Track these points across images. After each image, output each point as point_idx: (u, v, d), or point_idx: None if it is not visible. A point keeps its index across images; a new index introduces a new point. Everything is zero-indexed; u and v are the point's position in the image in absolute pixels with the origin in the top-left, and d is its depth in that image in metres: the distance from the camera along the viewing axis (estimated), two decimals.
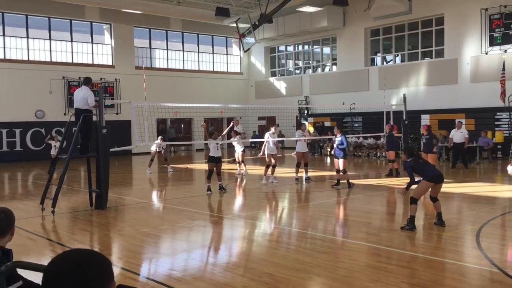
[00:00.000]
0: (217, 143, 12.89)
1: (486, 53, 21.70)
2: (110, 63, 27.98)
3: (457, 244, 7.47)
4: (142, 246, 7.78)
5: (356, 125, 26.75)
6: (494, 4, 21.03)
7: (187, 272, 6.28)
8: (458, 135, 17.98)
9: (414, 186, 8.49)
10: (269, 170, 14.48)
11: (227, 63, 33.35)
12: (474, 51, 22.26)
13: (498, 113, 21.37)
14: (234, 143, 16.69)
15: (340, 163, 13.29)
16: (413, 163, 8.41)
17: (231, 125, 14.92)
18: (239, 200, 12.72)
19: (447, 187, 13.25)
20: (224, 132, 14.34)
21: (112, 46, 28.04)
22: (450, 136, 18.52)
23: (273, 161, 14.45)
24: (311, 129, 27.98)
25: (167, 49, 30.58)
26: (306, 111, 29.53)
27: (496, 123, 21.39)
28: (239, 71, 33.66)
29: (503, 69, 20.51)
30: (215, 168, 12.81)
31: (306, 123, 28.68)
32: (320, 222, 9.56)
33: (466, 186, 13.45)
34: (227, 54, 33.26)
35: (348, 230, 8.81)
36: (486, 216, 9.15)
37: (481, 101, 21.47)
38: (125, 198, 12.68)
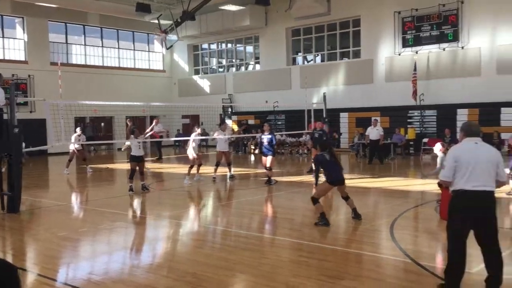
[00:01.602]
0: (139, 142, 12.62)
1: (399, 54, 22.92)
2: (22, 58, 26.45)
3: (373, 237, 7.83)
4: (59, 250, 7.44)
5: (279, 123, 27.24)
6: (406, 8, 22.26)
7: (107, 276, 6.09)
8: (374, 132, 18.83)
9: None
10: (194, 169, 14.40)
11: (149, 60, 32.68)
12: (388, 52, 23.44)
13: (410, 111, 22.66)
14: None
15: (268, 160, 13.48)
16: (322, 158, 8.69)
17: (153, 123, 14.57)
18: (162, 199, 12.52)
19: (364, 182, 13.91)
20: (147, 131, 14.04)
21: (25, 40, 26.51)
22: (367, 134, 19.36)
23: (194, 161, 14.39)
24: (236, 127, 28.18)
25: (84, 44, 29.42)
26: (230, 110, 29.64)
27: (408, 120, 22.68)
28: (161, 68, 33.10)
29: (415, 69, 21.79)
30: (137, 168, 12.54)
31: (230, 121, 28.87)
32: (244, 219, 9.64)
33: (382, 181, 14.14)
34: (149, 51, 32.58)
35: (272, 227, 8.96)
36: (399, 209, 9.68)
37: (395, 99, 22.65)
38: (41, 201, 12.04)
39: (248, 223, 9.32)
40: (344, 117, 24.50)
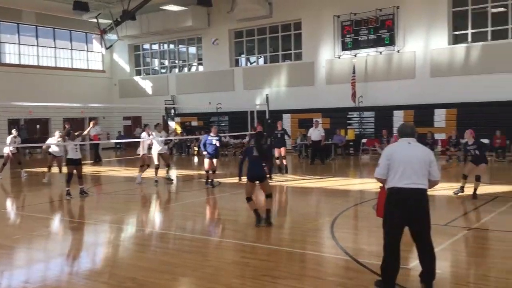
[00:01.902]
0: (76, 145, 12.21)
1: (339, 57, 23.53)
2: None
3: (315, 236, 7.99)
4: None
5: (223, 124, 27.22)
6: (345, 12, 22.89)
7: (44, 284, 5.86)
8: (316, 133, 19.19)
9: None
10: (142, 169, 14.19)
11: (87, 60, 31.71)
12: (328, 55, 23.99)
13: (349, 113, 23.31)
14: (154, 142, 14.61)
15: (214, 162, 13.35)
16: (249, 151, 8.64)
17: (90, 126, 14.04)
18: (103, 204, 12.18)
19: (306, 182, 14.16)
20: (85, 132, 13.57)
21: None
22: (308, 135, 19.70)
23: (156, 161, 14.16)
24: (179, 129, 27.90)
25: (19, 43, 28.13)
26: (173, 111, 29.31)
27: (348, 122, 23.31)
28: (101, 68, 32.21)
29: (354, 72, 22.45)
30: (75, 171, 12.13)
31: (173, 123, 28.54)
32: (187, 222, 9.55)
33: (323, 181, 14.43)
34: (87, 50, 31.60)
35: (215, 229, 8.94)
36: (340, 208, 9.91)
37: (336, 101, 23.22)
38: None
39: (191, 226, 9.25)
40: (286, 119, 24.81)
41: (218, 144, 13.38)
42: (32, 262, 7.04)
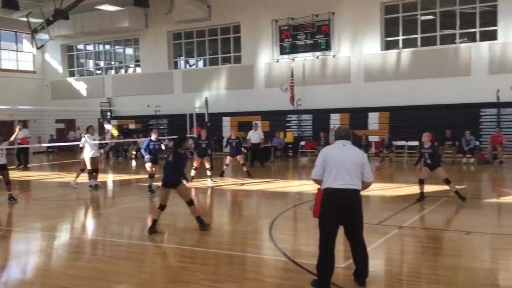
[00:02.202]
0: (1, 149, 11.60)
1: (277, 61, 23.84)
2: None
3: (254, 238, 8.03)
4: None
5: (162, 127, 26.79)
6: (283, 16, 23.23)
7: None
8: (255, 136, 19.33)
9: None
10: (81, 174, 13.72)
11: (17, 60, 30.25)
12: (267, 59, 24.24)
13: (288, 116, 23.66)
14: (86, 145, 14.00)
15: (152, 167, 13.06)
16: (167, 159, 8.49)
17: (17, 130, 13.17)
18: (32, 210, 11.64)
19: (246, 184, 14.20)
20: (12, 139, 12.78)
21: None
22: (248, 137, 19.82)
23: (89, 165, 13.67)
24: (115, 132, 27.19)
25: None
26: (109, 114, 28.52)
27: (287, 124, 23.65)
28: (32, 69, 30.82)
29: (292, 75, 22.82)
30: (1, 177, 11.53)
31: (110, 126, 27.77)
32: (124, 227, 9.31)
33: (263, 183, 14.53)
34: (17, 50, 30.14)
35: (152, 234, 8.75)
36: (279, 210, 10.02)
37: (274, 104, 23.48)
38: None
39: (128, 231, 9.02)
40: (226, 121, 24.83)
41: (163, 146, 13.23)
42: None
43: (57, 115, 27.11)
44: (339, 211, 5.18)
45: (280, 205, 10.72)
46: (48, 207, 11.74)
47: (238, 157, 15.87)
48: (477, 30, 20.55)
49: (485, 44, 20.09)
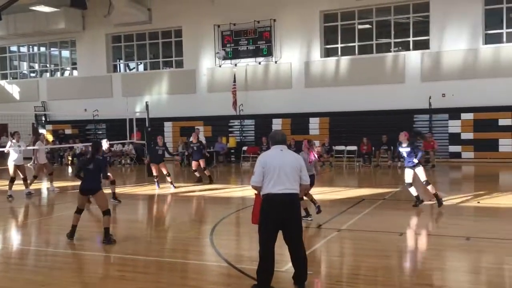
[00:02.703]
0: None
1: (220, 66, 23.82)
2: None
3: (196, 245, 7.94)
4: None
5: (100, 132, 26.06)
6: (225, 22, 23.26)
7: None
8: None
9: None
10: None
11: None
12: (210, 64, 24.18)
13: (231, 121, 23.68)
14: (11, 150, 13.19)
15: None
16: (83, 163, 8.33)
17: None
18: None
19: (188, 190, 14.04)
20: None
21: None
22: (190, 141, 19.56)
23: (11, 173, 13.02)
24: (50, 138, 26.12)
25: None
26: (44, 118, 27.39)
27: (229, 129, 23.66)
28: None
29: (234, 81, 22.87)
30: None
31: (44, 131, 26.66)
32: (57, 236, 8.91)
33: (205, 189, 14.41)
34: None
35: (88, 242, 8.45)
36: (220, 215, 9.98)
37: (217, 109, 23.43)
38: None
39: (61, 240, 8.65)
40: (168, 126, 24.49)
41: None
42: None
43: None
44: (279, 216, 5.22)
45: (222, 210, 10.67)
46: None
47: (200, 161, 15.52)
48: (411, 39, 21.48)
49: (418, 53, 21.03)
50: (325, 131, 21.78)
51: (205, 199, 12.82)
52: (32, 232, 9.59)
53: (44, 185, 15.72)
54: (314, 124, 22.20)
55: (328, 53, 22.81)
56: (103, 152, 8.55)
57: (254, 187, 5.41)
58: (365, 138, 19.88)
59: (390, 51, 21.93)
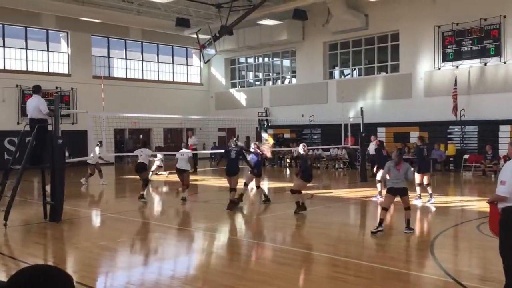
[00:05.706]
0: (182, 154, 13.02)
1: (439, 69, 22.50)
2: (66, 71, 27.36)
3: (411, 254, 7.66)
4: (98, 259, 7.59)
5: (315, 137, 27.12)
6: (447, 22, 21.88)
7: (144, 286, 6.17)
8: (372, 147, 18.24)
9: None
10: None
11: (187, 73, 33.22)
12: (427, 67, 23.05)
13: (450, 127, 22.14)
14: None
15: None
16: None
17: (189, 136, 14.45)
18: (199, 211, 12.62)
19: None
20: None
21: (68, 54, 27.44)
22: (368, 149, 18.72)
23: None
24: (271, 141, 28.22)
25: (126, 58, 30.18)
26: (266, 123, 29.74)
27: (448, 136, 22.15)
28: (199, 82, 33.59)
29: (455, 84, 21.31)
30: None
31: (266, 135, 28.94)
32: (279, 233, 9.59)
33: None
34: (187, 64, 33.14)
35: (306, 241, 8.88)
36: (439, 228, 9.42)
37: (434, 114, 22.18)
38: (80, 211, 12.33)
39: (283, 237, 9.22)
40: (381, 132, 24.15)
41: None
42: (134, 264, 7.45)
43: (220, 124, 29.07)
44: None
45: (440, 223, 10.07)
46: (212, 209, 12.61)
47: (425, 174, 12.79)
48: None
49: None
50: None
51: (423, 209, 12.24)
52: (257, 228, 10.47)
53: (265, 185, 16.89)
54: None
55: None
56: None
57: (500, 198, 4.79)
58: None
59: None
